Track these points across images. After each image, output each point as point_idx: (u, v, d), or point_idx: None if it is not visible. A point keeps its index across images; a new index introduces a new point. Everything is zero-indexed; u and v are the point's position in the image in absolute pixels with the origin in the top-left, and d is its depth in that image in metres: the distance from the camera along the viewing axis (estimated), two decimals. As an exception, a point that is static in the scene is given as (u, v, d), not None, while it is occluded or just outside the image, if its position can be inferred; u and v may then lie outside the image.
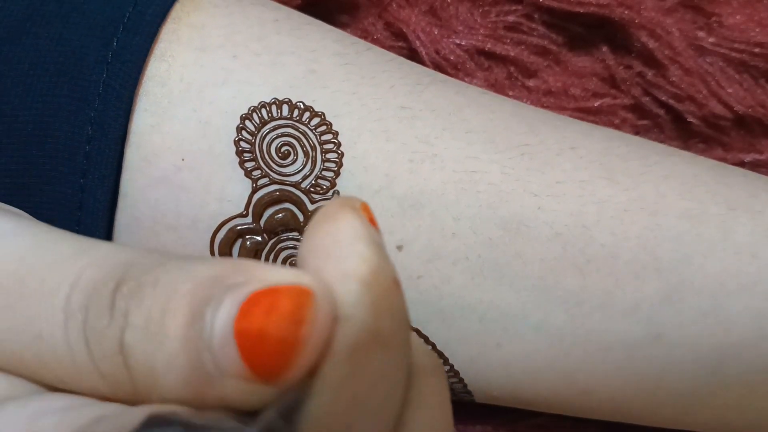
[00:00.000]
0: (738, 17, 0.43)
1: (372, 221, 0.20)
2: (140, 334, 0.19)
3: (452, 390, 0.35)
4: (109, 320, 0.19)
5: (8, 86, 0.31)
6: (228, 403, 0.18)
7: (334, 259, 0.19)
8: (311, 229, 0.20)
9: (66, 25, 0.32)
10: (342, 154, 0.31)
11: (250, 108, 0.31)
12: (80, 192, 0.31)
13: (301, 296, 0.17)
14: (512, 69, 0.44)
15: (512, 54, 0.43)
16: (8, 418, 0.19)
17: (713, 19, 0.43)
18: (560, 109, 0.43)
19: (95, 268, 0.20)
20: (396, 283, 0.19)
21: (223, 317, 0.18)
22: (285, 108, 0.32)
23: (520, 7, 0.44)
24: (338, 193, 0.31)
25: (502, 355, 0.33)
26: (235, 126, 0.31)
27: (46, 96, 0.31)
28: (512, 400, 0.35)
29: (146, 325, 0.19)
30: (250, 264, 0.19)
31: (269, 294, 0.18)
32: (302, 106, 0.32)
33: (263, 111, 0.31)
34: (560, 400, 0.35)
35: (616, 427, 0.40)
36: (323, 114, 0.32)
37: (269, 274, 0.18)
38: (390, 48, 0.43)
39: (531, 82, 0.44)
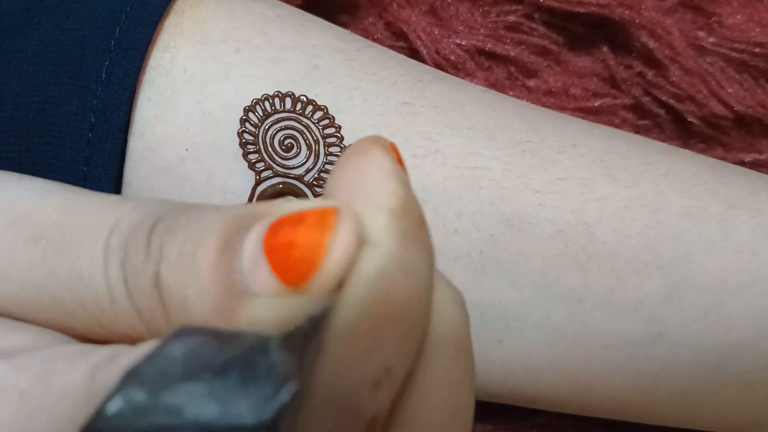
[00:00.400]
0: (738, 17, 0.43)
1: (400, 161, 0.20)
2: (174, 266, 0.19)
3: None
4: (146, 256, 0.20)
5: (10, 76, 0.31)
6: (264, 326, 0.18)
7: (363, 192, 0.19)
8: (340, 163, 0.20)
9: (68, 16, 0.32)
10: (345, 148, 0.31)
11: (253, 100, 0.31)
12: (83, 180, 0.31)
13: (327, 211, 0.18)
14: (512, 69, 0.44)
15: (512, 54, 0.44)
16: (23, 361, 0.19)
17: (713, 19, 0.43)
18: (560, 109, 0.43)
19: (134, 213, 0.21)
20: (423, 220, 0.19)
21: (252, 239, 0.18)
22: (288, 101, 0.32)
23: (520, 7, 0.44)
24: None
25: (503, 352, 0.33)
26: (239, 118, 0.31)
27: (48, 85, 0.31)
28: (513, 397, 0.35)
29: (179, 258, 0.19)
30: (279, 201, 0.20)
31: (297, 216, 0.18)
32: (305, 100, 0.32)
33: (266, 104, 0.31)
34: (561, 398, 0.35)
35: (617, 426, 0.40)
36: (326, 108, 0.32)
37: (297, 205, 0.19)
38: (390, 48, 0.43)
39: (531, 82, 0.44)
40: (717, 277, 0.32)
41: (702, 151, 0.43)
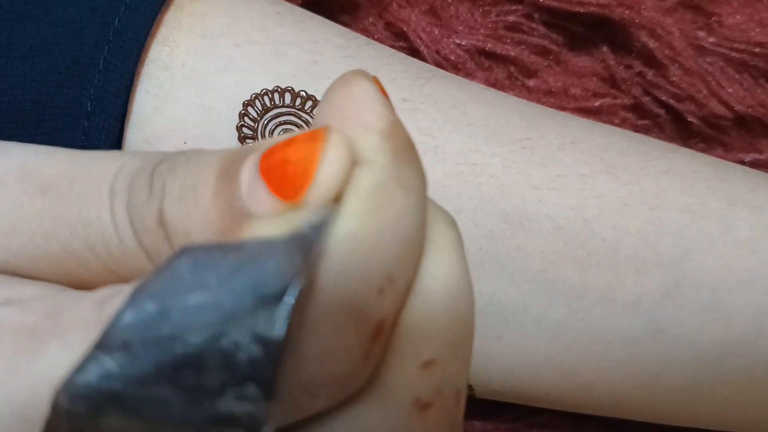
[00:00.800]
0: (738, 17, 0.43)
1: (383, 92, 0.21)
2: (176, 201, 0.20)
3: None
4: (149, 195, 0.20)
5: (9, 68, 0.31)
6: None
7: (352, 117, 0.19)
8: (326, 95, 0.20)
9: (67, 8, 0.32)
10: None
11: (252, 95, 0.31)
12: None
13: (318, 130, 0.18)
14: (512, 69, 0.44)
15: (512, 54, 0.44)
16: (31, 305, 0.20)
17: (713, 19, 0.43)
18: (560, 109, 0.43)
19: (137, 159, 0.21)
20: (411, 142, 0.20)
21: (248, 165, 0.19)
22: (288, 96, 0.32)
23: (520, 7, 0.44)
24: None
25: (503, 348, 0.33)
26: (238, 112, 0.31)
27: (46, 75, 0.31)
28: (513, 394, 0.35)
29: (180, 192, 0.20)
30: (278, 136, 0.20)
31: (289, 139, 0.19)
32: (305, 95, 0.32)
33: (266, 98, 0.31)
34: (561, 395, 0.35)
35: (617, 425, 0.40)
36: None
37: (288, 134, 0.19)
38: (391, 48, 0.43)
39: (531, 82, 0.44)
40: (717, 274, 0.32)
41: (702, 151, 0.43)
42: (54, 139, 0.31)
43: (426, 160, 0.32)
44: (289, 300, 0.16)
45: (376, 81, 0.21)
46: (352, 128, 0.19)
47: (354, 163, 0.18)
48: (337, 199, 0.18)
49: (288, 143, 0.18)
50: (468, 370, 0.20)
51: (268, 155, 0.18)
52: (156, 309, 0.16)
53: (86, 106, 0.31)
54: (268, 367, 0.16)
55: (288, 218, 0.18)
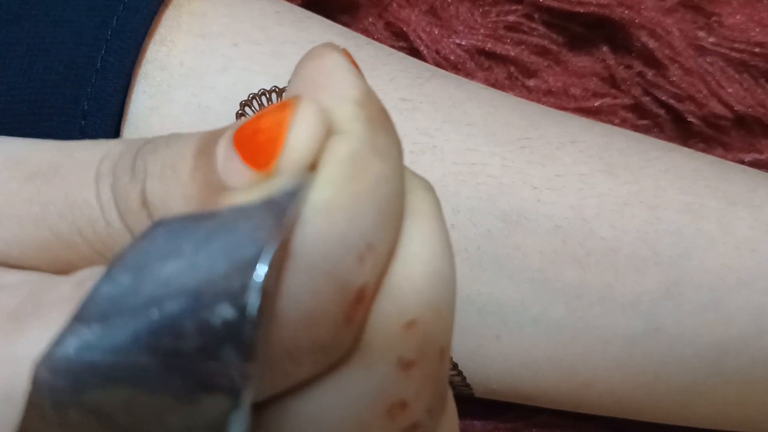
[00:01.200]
0: (738, 17, 0.43)
1: (354, 63, 0.21)
2: (157, 180, 0.20)
3: (452, 384, 0.35)
4: (132, 176, 0.20)
5: (6, 67, 0.31)
6: None
7: (325, 87, 0.19)
8: (297, 69, 0.21)
9: (65, 7, 0.32)
10: None
11: (250, 95, 0.31)
12: None
13: (288, 100, 0.19)
14: (512, 69, 0.44)
15: (512, 54, 0.44)
16: (12, 289, 0.20)
17: (713, 18, 0.43)
18: (560, 109, 0.43)
19: (122, 144, 0.21)
20: (385, 110, 0.20)
21: (224, 140, 0.19)
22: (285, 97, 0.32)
23: (520, 7, 0.44)
24: None
25: (501, 347, 0.33)
26: (235, 112, 0.31)
27: (44, 74, 0.31)
28: (512, 394, 0.35)
29: (161, 171, 0.20)
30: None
31: (261, 112, 0.19)
32: None
33: (263, 98, 0.31)
34: (560, 394, 0.35)
35: (617, 425, 0.40)
36: None
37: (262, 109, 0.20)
38: (391, 48, 0.43)
39: (531, 82, 0.44)
40: (716, 273, 0.32)
41: (702, 151, 0.43)
42: (50, 138, 0.31)
43: (424, 160, 0.32)
44: (263, 263, 0.16)
45: (346, 53, 0.21)
46: (326, 97, 0.19)
47: (329, 132, 0.18)
48: (313, 167, 0.18)
49: (260, 115, 0.19)
50: (451, 330, 0.21)
51: (242, 128, 0.19)
52: (131, 278, 0.16)
53: (83, 106, 0.31)
54: (245, 329, 0.16)
55: (262, 187, 0.18)
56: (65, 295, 0.19)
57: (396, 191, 0.19)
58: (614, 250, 0.32)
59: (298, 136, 0.18)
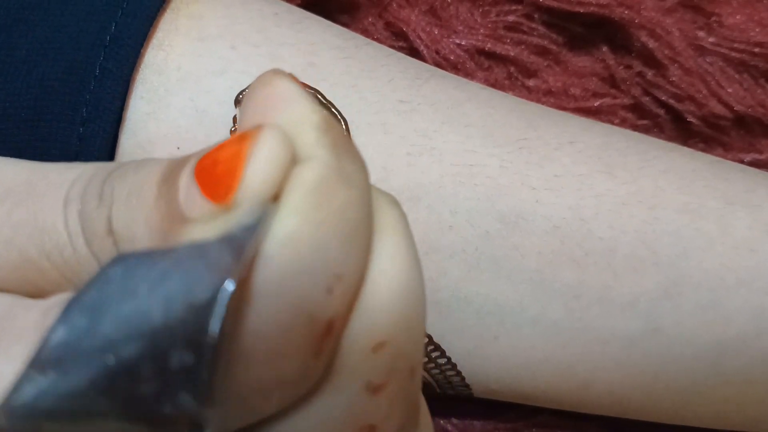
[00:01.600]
0: (738, 17, 0.43)
1: (304, 86, 0.21)
2: (122, 207, 0.20)
3: (450, 384, 0.35)
4: (99, 202, 0.20)
5: (5, 73, 0.31)
6: None
7: (282, 113, 0.19)
8: (248, 96, 0.20)
9: (63, 12, 0.32)
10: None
11: (240, 95, 0.31)
12: None
13: (249, 131, 0.18)
14: (512, 69, 0.44)
15: (512, 54, 0.44)
16: None
17: (713, 18, 0.43)
18: (560, 109, 0.43)
19: (93, 168, 0.21)
20: (346, 133, 0.20)
21: (187, 169, 0.18)
22: None
23: (520, 7, 0.44)
24: None
25: (500, 348, 0.33)
26: (233, 116, 0.31)
27: (43, 81, 0.31)
28: (511, 394, 0.35)
29: (127, 197, 0.20)
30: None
31: (222, 142, 0.18)
32: None
33: None
34: (559, 394, 0.35)
35: (617, 425, 0.40)
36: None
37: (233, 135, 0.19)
38: (390, 48, 0.43)
39: (531, 82, 0.44)
40: (715, 273, 0.32)
41: (702, 151, 0.43)
42: (49, 144, 0.31)
43: (422, 162, 0.32)
44: (220, 304, 0.16)
45: (293, 78, 0.20)
46: (285, 124, 0.19)
47: (292, 160, 0.18)
48: (276, 198, 0.17)
49: (221, 146, 0.18)
50: (422, 347, 0.20)
51: (203, 159, 0.18)
52: (86, 322, 0.16)
53: (82, 112, 0.31)
54: (202, 373, 0.16)
55: (220, 220, 0.17)
56: (31, 324, 0.19)
57: (363, 216, 0.19)
58: (612, 250, 0.32)
59: (257, 168, 0.17)
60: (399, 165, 0.31)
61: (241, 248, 0.17)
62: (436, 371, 0.34)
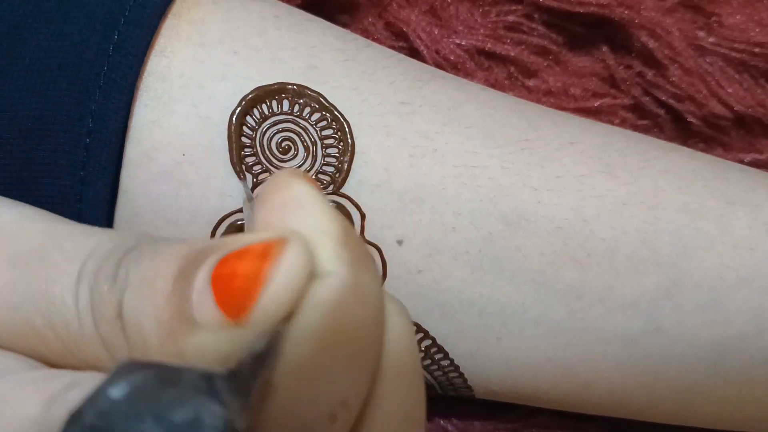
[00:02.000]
0: (738, 17, 0.43)
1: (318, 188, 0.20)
2: (135, 293, 0.19)
3: (452, 385, 0.35)
4: (112, 284, 0.20)
5: (9, 82, 0.31)
6: (208, 359, 0.18)
7: (302, 219, 0.19)
8: (264, 198, 0.20)
9: (66, 21, 0.32)
10: (342, 149, 0.31)
11: (244, 99, 0.31)
12: (80, 184, 0.31)
13: (271, 243, 0.18)
14: (512, 69, 0.44)
15: (512, 54, 0.44)
16: None
17: (713, 19, 0.43)
18: (560, 109, 0.43)
19: (110, 242, 0.21)
20: (362, 242, 0.20)
21: (204, 270, 0.18)
22: (285, 103, 0.32)
23: (520, 7, 0.44)
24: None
25: (502, 349, 0.33)
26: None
27: (47, 90, 0.31)
28: (513, 395, 0.35)
29: (140, 285, 0.19)
30: (241, 234, 0.20)
31: (244, 248, 0.18)
32: (303, 102, 0.32)
33: (263, 106, 0.31)
34: (560, 395, 0.35)
35: (618, 425, 0.40)
36: (323, 98, 0.32)
37: (251, 237, 0.19)
38: (390, 48, 0.43)
39: (531, 82, 0.44)
40: (715, 272, 0.32)
41: (702, 151, 0.43)
42: (56, 155, 0.31)
43: (424, 163, 0.32)
44: None
45: (310, 180, 0.20)
46: (305, 232, 0.18)
47: (311, 275, 0.17)
48: (289, 317, 0.17)
49: (241, 254, 0.18)
50: None
51: (222, 263, 0.18)
52: None
53: (87, 123, 0.31)
54: None
55: (230, 337, 0.17)
56: (31, 417, 0.18)
57: (375, 337, 0.18)
58: (614, 250, 0.32)
59: (275, 293, 0.17)
60: (401, 167, 0.32)
61: (249, 385, 0.16)
62: (439, 373, 0.34)
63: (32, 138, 0.31)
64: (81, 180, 0.31)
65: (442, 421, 0.41)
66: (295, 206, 0.19)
